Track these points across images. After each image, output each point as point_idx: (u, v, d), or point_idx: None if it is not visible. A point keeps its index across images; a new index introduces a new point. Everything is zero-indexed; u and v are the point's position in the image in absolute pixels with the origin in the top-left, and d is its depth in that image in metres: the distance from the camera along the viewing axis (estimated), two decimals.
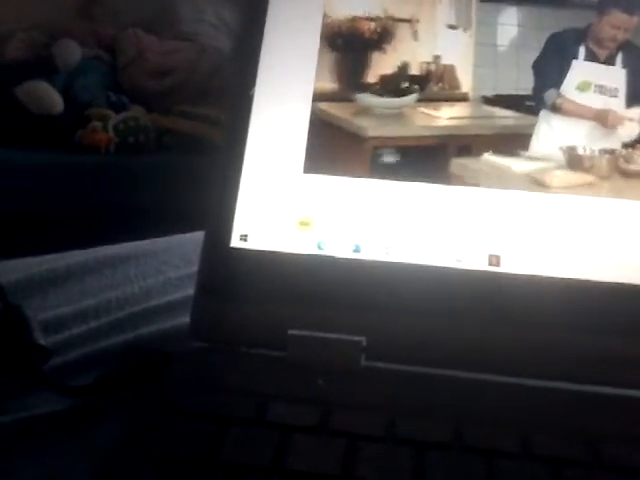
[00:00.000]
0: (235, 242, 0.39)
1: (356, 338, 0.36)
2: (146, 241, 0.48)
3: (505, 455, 0.29)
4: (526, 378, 0.34)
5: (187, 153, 1.65)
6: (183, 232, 0.53)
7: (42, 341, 0.35)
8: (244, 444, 0.29)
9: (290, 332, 0.36)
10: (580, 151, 0.39)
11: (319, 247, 0.38)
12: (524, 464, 0.28)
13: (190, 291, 0.42)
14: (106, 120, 1.70)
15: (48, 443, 0.31)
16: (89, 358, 0.36)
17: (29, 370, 0.34)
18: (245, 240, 0.39)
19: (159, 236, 0.58)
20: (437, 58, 0.42)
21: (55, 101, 1.72)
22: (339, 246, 0.38)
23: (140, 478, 0.28)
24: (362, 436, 0.30)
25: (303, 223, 0.38)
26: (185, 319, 0.40)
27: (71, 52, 1.87)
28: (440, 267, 0.37)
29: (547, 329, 0.35)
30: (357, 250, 0.38)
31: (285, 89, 0.40)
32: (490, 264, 0.37)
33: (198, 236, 0.49)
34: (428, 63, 0.42)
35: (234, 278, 0.38)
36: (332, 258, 0.38)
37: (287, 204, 0.38)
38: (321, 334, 0.36)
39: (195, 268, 0.45)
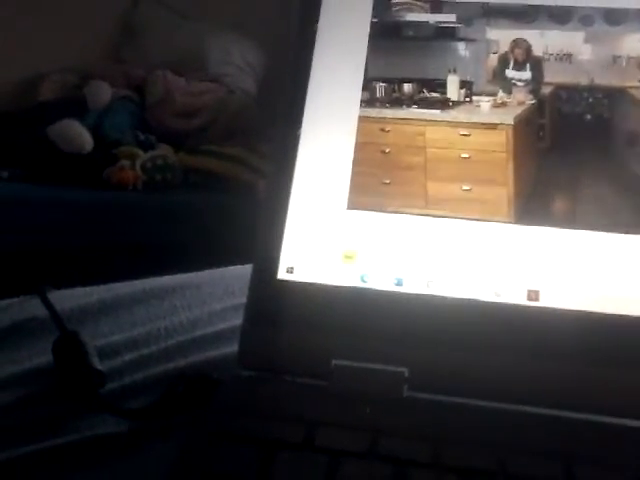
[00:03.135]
0: (282, 274, 0.40)
1: (399, 369, 0.37)
2: (190, 274, 0.50)
3: None
4: (566, 411, 0.35)
5: (213, 192, 1.69)
6: (208, 268, 0.55)
7: (98, 366, 0.37)
8: (295, 468, 0.30)
9: (334, 362, 0.38)
10: None
11: (362, 280, 0.39)
12: None
13: (234, 322, 0.44)
14: (134, 158, 1.74)
15: (106, 463, 0.32)
16: (141, 384, 0.37)
17: (87, 393, 0.36)
18: (291, 272, 0.40)
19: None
20: None
21: (85, 140, 1.77)
22: (382, 279, 0.39)
23: None
24: (409, 462, 0.31)
25: (347, 256, 0.40)
26: (230, 349, 0.41)
27: (101, 92, 1.93)
28: (479, 301, 0.38)
29: (587, 364, 0.36)
30: (399, 283, 0.39)
31: (330, 129, 0.42)
32: (529, 299, 0.38)
33: (240, 269, 0.51)
34: None
35: (280, 309, 0.39)
36: (375, 291, 0.39)
37: (332, 238, 0.40)
38: (364, 364, 0.37)
39: (238, 300, 0.47)
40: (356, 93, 0.43)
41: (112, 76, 1.99)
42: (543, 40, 0.44)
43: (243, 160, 1.87)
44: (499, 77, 0.42)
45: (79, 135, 1.76)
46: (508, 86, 0.42)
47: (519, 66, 0.42)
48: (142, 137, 1.85)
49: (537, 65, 0.42)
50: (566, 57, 0.42)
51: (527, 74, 0.43)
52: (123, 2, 2.19)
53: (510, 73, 0.43)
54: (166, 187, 1.73)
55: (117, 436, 0.34)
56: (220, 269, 0.52)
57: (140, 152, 1.77)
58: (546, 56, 0.42)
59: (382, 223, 0.40)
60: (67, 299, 0.45)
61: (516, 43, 0.42)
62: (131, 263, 1.38)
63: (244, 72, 2.11)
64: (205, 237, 1.48)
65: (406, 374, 0.37)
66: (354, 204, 0.41)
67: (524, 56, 0.42)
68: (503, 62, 0.43)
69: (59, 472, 0.32)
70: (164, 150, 1.82)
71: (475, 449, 0.32)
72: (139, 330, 0.42)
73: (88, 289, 0.47)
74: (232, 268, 0.51)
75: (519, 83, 0.42)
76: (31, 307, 0.44)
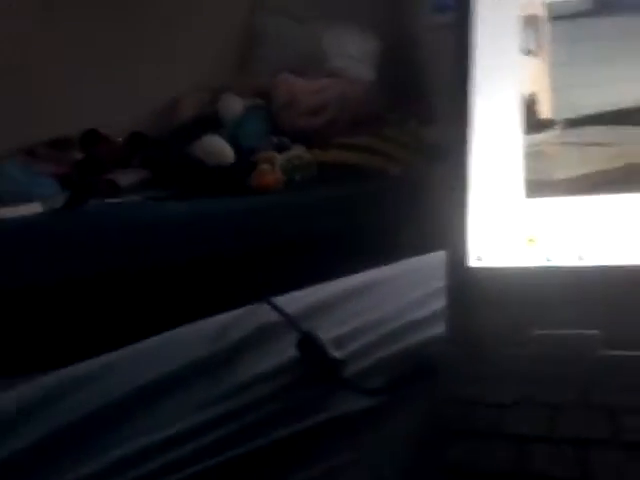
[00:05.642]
0: (473, 262, 0.47)
1: (591, 332, 0.43)
2: (383, 268, 0.58)
3: None
4: None
5: (350, 182, 1.78)
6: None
7: (337, 355, 0.45)
8: (524, 420, 0.37)
9: (536, 332, 0.44)
10: None
11: (547, 259, 0.45)
12: None
13: (432, 307, 0.51)
14: (273, 162, 1.87)
15: (360, 433, 0.40)
16: (373, 367, 0.45)
17: (331, 379, 0.44)
18: (480, 260, 0.47)
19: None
20: None
21: (227, 152, 1.91)
22: (565, 256, 0.45)
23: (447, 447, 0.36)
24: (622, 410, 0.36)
25: (530, 240, 0.46)
26: (436, 330, 0.48)
27: (233, 105, 2.08)
28: None
29: None
30: (581, 258, 0.44)
31: (501, 121, 0.48)
32: None
33: (424, 260, 0.58)
34: None
35: (476, 292, 0.46)
36: (560, 267, 0.45)
37: (514, 225, 0.46)
38: (561, 331, 0.43)
39: (430, 288, 0.54)
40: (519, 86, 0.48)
41: (239, 88, 2.13)
42: None
43: (372, 148, 1.94)
44: None
45: (221, 148, 1.91)
46: None
47: None
48: (276, 140, 1.97)
49: None
50: None
51: None
52: (241, 16, 2.32)
53: None
54: (305, 185, 1.84)
55: (363, 411, 0.42)
56: (405, 261, 0.59)
57: (277, 155, 1.89)
58: None
59: (560, 206, 0.45)
60: (288, 303, 0.54)
61: None
62: (302, 261, 1.50)
63: (361, 61, 2.18)
64: (358, 226, 1.57)
65: (599, 335, 0.42)
66: (532, 192, 0.46)
67: None
68: None
69: (320, 446, 0.40)
70: (298, 150, 1.93)
71: None
72: (358, 321, 0.50)
73: (313, 288, 0.56)
74: (416, 260, 0.58)
75: None
76: (263, 313, 0.53)
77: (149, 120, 2.22)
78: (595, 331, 0.43)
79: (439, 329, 0.47)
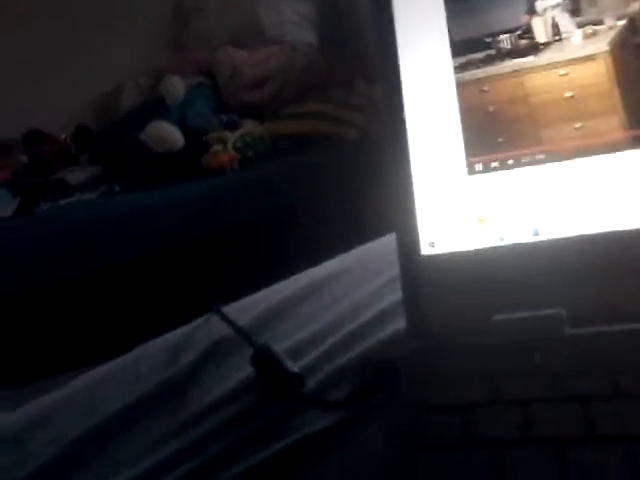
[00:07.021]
0: (425, 250, 0.44)
1: (555, 310, 0.40)
2: (333, 261, 0.55)
3: None
4: None
5: (305, 153, 1.74)
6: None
7: (295, 369, 0.42)
8: (492, 422, 0.35)
9: (495, 317, 0.41)
10: None
11: (500, 238, 0.42)
12: None
13: (391, 299, 0.49)
14: (224, 141, 1.81)
15: (332, 452, 0.38)
16: (333, 377, 0.43)
17: (290, 395, 0.41)
18: (433, 246, 0.44)
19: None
20: None
21: (176, 137, 1.84)
22: (518, 233, 0.42)
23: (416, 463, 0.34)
24: (593, 397, 0.34)
25: (481, 220, 0.43)
26: (395, 325, 0.46)
27: (175, 87, 2.00)
28: (622, 230, 0.40)
29: None
30: (536, 234, 0.42)
31: (431, 103, 0.45)
32: None
33: (377, 248, 0.55)
34: None
35: (433, 280, 0.43)
36: (515, 245, 0.42)
37: (462, 206, 0.43)
38: (522, 314, 0.41)
39: (385, 277, 0.51)
40: (447, 61, 0.45)
41: (180, 68, 2.05)
42: None
43: (324, 113, 1.89)
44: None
45: (169, 133, 1.84)
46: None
47: None
48: (225, 118, 1.91)
49: None
50: None
51: None
52: None
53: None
54: (260, 160, 1.79)
55: (328, 429, 0.39)
56: (357, 250, 0.56)
57: (228, 134, 1.83)
58: None
59: (506, 181, 0.43)
60: (240, 312, 0.51)
61: None
62: (264, 242, 1.46)
63: (301, 26, 2.11)
64: (320, 198, 1.53)
65: (564, 314, 0.40)
66: (474, 169, 0.43)
67: None
68: None
69: (287, 473, 0.37)
70: (250, 125, 1.87)
71: None
72: (313, 325, 0.47)
73: (253, 298, 0.53)
74: (367, 247, 0.55)
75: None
76: (215, 327, 0.50)
77: (92, 113, 2.14)
78: (559, 309, 0.40)
79: (398, 323, 0.45)
